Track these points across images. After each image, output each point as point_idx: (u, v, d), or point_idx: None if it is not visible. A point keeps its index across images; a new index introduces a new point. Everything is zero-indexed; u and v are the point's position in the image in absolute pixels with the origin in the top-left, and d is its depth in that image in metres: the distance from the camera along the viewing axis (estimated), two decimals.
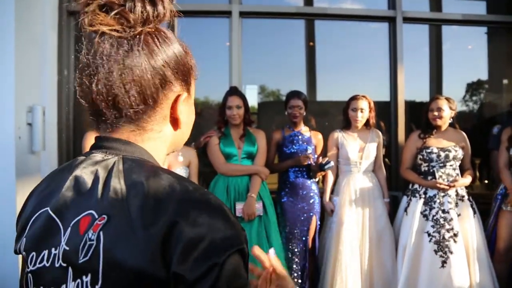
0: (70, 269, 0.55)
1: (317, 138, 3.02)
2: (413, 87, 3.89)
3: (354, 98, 2.91)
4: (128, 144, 0.63)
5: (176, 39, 0.65)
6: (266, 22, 3.84)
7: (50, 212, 0.60)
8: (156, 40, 0.61)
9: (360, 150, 2.91)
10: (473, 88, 4.37)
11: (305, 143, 2.92)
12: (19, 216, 0.69)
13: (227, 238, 0.53)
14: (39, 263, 0.58)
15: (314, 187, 2.90)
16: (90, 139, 2.41)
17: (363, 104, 2.88)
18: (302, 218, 2.82)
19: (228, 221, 0.55)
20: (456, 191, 2.78)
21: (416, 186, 2.86)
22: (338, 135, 2.97)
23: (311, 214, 2.84)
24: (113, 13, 0.57)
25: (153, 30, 0.61)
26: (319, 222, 2.91)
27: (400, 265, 2.74)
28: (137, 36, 0.59)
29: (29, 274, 0.59)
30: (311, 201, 2.85)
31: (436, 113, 2.80)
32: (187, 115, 0.69)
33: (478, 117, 4.39)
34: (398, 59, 3.50)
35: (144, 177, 0.57)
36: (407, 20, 3.57)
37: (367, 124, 2.95)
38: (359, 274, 2.75)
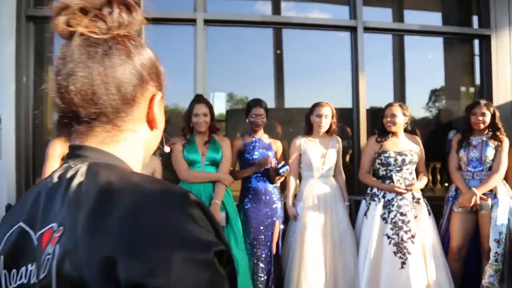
0: (38, 286, 0.54)
1: (276, 145, 3.08)
2: (378, 94, 4.03)
3: (318, 104, 2.98)
4: (99, 151, 0.62)
5: (147, 45, 0.67)
6: (232, 30, 3.87)
7: (23, 225, 0.59)
8: (132, 42, 0.63)
9: (322, 156, 2.98)
10: (436, 95, 4.57)
11: (265, 150, 2.96)
12: None
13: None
14: (19, 280, 0.57)
15: (276, 192, 2.95)
16: (55, 147, 2.33)
17: (327, 110, 2.95)
18: (266, 223, 2.86)
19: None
20: (412, 194, 2.89)
21: (375, 190, 2.94)
22: (300, 141, 3.03)
23: (275, 219, 2.88)
24: (91, 15, 0.59)
25: (127, 34, 0.63)
26: (282, 227, 2.96)
27: (362, 268, 2.80)
28: (114, 38, 0.61)
29: None
30: (274, 206, 2.89)
31: (389, 119, 2.91)
32: (161, 117, 0.70)
33: (438, 122, 4.59)
34: (360, 67, 3.62)
35: (99, 182, 0.54)
36: (368, 29, 3.70)
37: (328, 130, 3.02)
38: (323, 276, 2.81)
